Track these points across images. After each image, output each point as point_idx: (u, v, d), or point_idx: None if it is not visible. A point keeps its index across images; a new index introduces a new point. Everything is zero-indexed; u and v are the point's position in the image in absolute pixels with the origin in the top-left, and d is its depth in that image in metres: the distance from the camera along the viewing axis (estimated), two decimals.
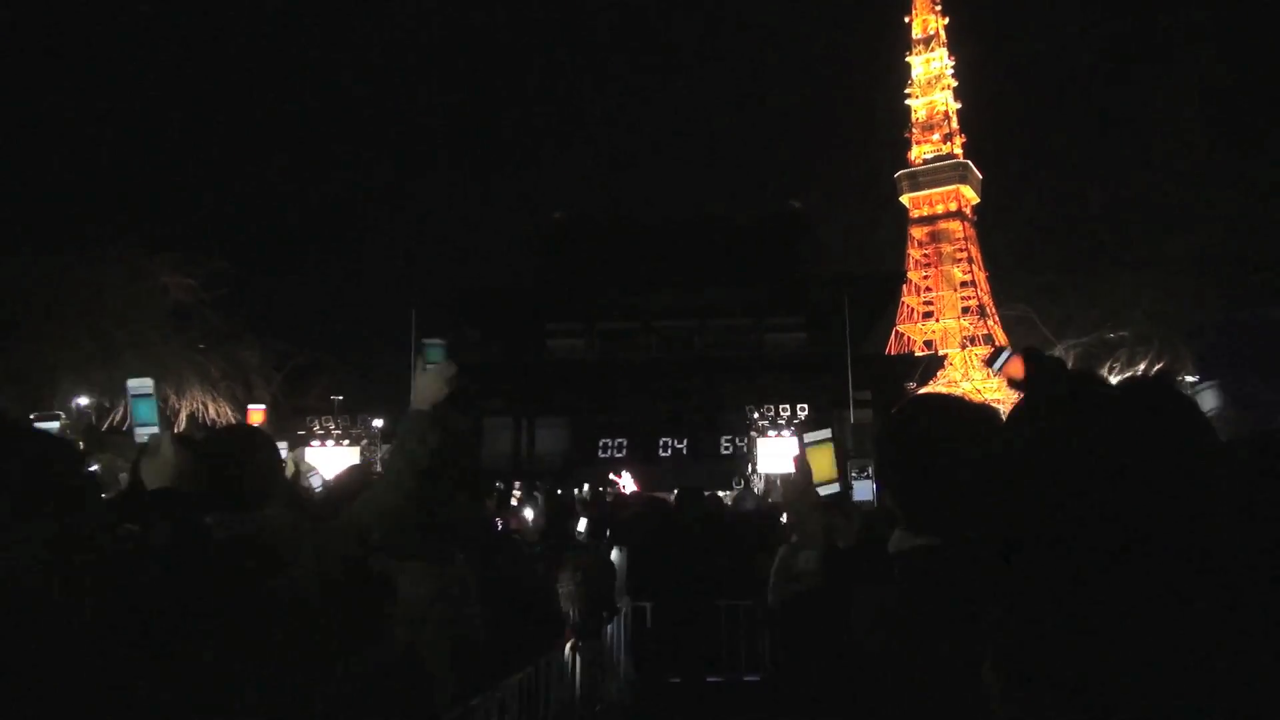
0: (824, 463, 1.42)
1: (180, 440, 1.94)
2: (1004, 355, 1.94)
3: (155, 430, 1.89)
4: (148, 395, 1.91)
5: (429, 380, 2.24)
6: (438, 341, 2.32)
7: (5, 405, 13.72)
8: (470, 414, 31.38)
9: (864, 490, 3.12)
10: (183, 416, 17.69)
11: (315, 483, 6.26)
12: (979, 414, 1.36)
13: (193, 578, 1.52)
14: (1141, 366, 20.52)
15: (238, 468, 1.99)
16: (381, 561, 2.36)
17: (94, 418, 16.87)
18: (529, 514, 6.47)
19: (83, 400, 15.71)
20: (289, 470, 5.97)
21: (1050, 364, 1.92)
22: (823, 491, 1.40)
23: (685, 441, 28.10)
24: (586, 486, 11.62)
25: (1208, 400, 3.15)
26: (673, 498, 11.75)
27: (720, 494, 12.56)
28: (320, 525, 2.30)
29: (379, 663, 2.36)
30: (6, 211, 14.58)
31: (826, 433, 1.47)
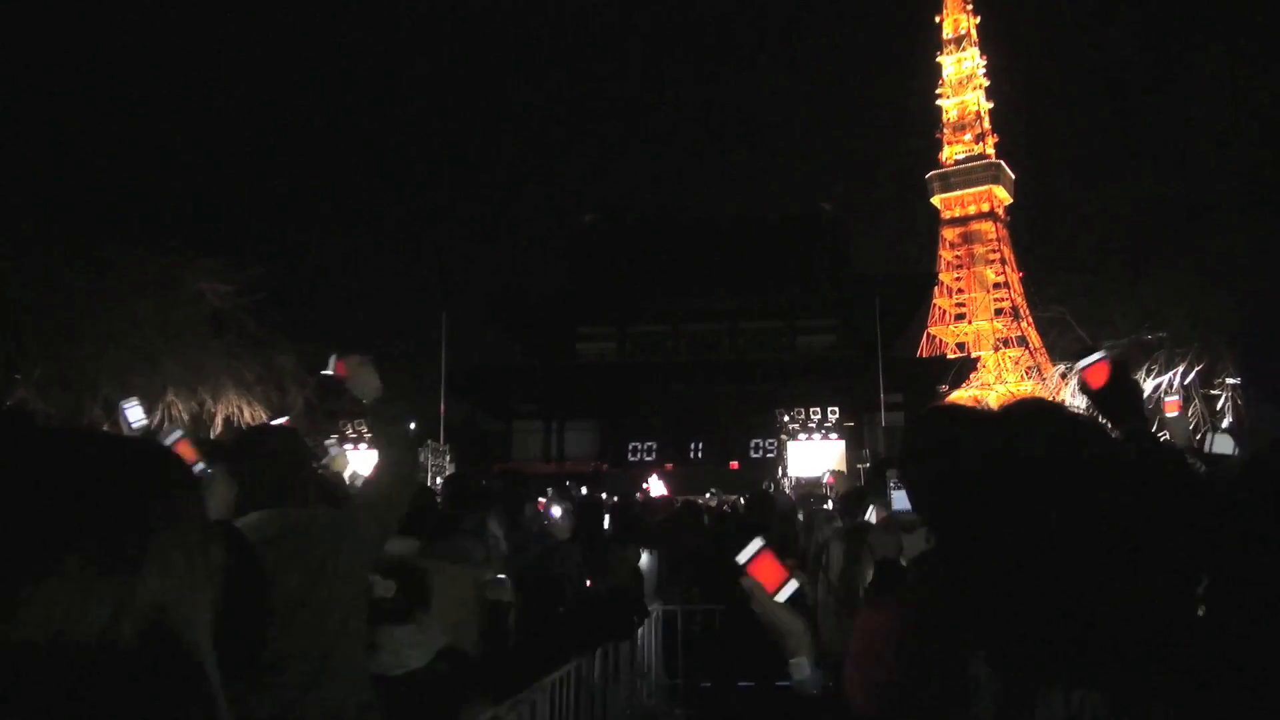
0: (769, 571, 1.37)
1: (222, 470, 1.96)
2: (1094, 357, 1.78)
3: (201, 467, 1.90)
4: (179, 439, 1.91)
5: (369, 372, 2.33)
6: (332, 361, 2.39)
7: (54, 411, 14.01)
8: (503, 416, 31.59)
9: (902, 499, 3.05)
10: (219, 421, 17.96)
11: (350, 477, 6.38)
12: (987, 416, 1.36)
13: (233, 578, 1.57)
14: (1180, 368, 20.10)
15: (268, 466, 2.04)
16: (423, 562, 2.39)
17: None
18: (557, 513, 6.51)
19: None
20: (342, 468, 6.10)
21: (1134, 386, 1.80)
22: (782, 596, 1.36)
23: (715, 444, 28.03)
24: (608, 496, 11.62)
25: (1223, 444, 3.04)
26: (711, 500, 11.71)
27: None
28: (350, 519, 2.35)
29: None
30: (44, 218, 14.74)
31: (758, 543, 1.39)
